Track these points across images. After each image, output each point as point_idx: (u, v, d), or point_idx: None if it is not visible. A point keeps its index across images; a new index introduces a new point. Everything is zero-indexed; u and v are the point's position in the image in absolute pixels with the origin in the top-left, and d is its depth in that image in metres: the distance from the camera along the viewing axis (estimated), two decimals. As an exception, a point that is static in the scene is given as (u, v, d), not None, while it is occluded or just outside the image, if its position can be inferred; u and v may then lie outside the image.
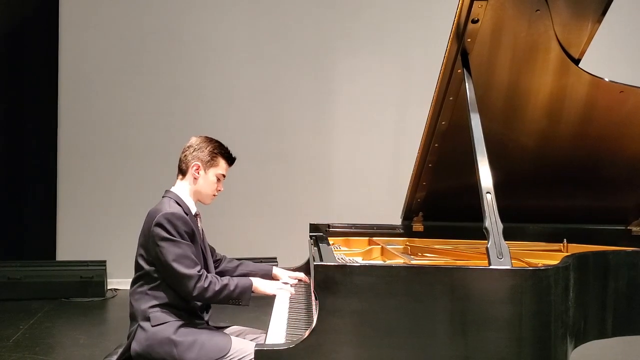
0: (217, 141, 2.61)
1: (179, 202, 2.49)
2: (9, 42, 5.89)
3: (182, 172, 2.57)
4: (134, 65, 6.07)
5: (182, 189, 2.56)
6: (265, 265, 2.89)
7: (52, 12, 5.94)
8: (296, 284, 2.77)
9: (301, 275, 2.87)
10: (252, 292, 2.49)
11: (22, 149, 5.97)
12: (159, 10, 6.09)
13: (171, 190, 2.56)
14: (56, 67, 5.97)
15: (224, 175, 2.60)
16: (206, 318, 2.54)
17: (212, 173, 2.56)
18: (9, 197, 5.95)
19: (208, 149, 2.55)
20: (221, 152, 2.58)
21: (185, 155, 2.57)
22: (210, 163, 2.55)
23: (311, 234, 3.14)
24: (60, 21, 5.97)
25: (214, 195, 2.61)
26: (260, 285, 2.53)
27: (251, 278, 2.54)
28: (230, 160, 2.62)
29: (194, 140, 2.59)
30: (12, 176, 5.97)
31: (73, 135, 6.03)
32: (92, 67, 6.03)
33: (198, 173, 2.54)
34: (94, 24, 6.03)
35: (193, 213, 2.55)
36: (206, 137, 2.61)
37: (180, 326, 2.37)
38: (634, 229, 3.22)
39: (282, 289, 2.61)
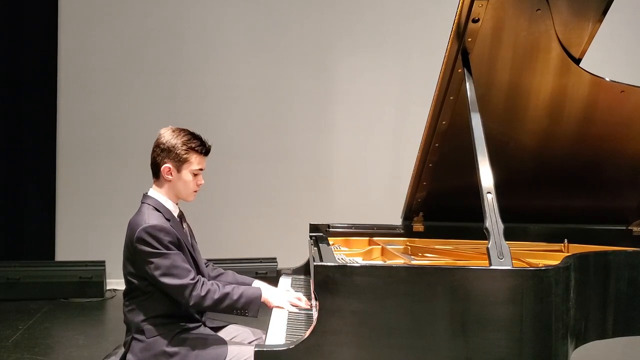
0: (186, 134, 2.36)
1: (158, 208, 2.34)
2: (8, 41, 5.88)
3: (155, 174, 2.39)
4: (133, 65, 6.06)
5: (159, 192, 2.39)
6: (245, 279, 2.64)
7: (52, 11, 5.92)
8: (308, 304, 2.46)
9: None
10: (261, 302, 2.33)
11: (21, 149, 5.95)
12: (159, 9, 6.08)
13: (149, 194, 2.39)
14: (55, 67, 5.95)
15: (201, 169, 2.38)
16: (203, 319, 2.47)
17: (186, 172, 2.35)
18: (7, 197, 5.94)
19: (177, 146, 2.32)
20: (191, 146, 2.34)
21: (154, 157, 2.37)
22: (181, 162, 2.33)
23: (311, 234, 3.13)
24: (59, 20, 5.95)
25: (195, 191, 2.41)
26: (269, 296, 2.36)
27: (260, 287, 2.40)
28: (204, 151, 2.38)
29: (161, 137, 2.36)
30: (11, 176, 5.94)
31: (72, 135, 6.02)
32: (91, 67, 6.02)
33: (171, 175, 2.35)
34: (93, 23, 6.01)
35: (175, 216, 2.41)
36: (173, 130, 2.36)
37: (174, 337, 2.30)
38: (634, 229, 3.22)
39: (294, 304, 2.40)
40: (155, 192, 2.40)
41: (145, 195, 2.41)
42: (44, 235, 5.97)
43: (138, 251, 2.25)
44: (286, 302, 2.39)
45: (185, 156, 2.34)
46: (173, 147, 2.33)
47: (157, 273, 2.23)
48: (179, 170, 2.35)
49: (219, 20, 6.13)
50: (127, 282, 2.36)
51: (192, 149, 2.35)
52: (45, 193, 5.97)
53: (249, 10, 6.16)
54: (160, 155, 2.35)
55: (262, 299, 2.34)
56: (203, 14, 6.11)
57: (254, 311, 2.31)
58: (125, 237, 2.34)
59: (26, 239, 5.95)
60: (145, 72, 6.06)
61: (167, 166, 2.35)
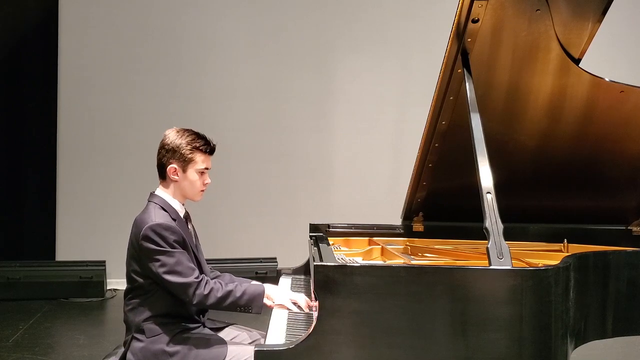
0: (190, 133, 2.38)
1: (165, 207, 2.35)
2: (8, 41, 5.88)
3: (161, 175, 2.40)
4: (134, 65, 6.06)
5: (166, 191, 2.40)
6: (243, 281, 2.56)
7: (52, 11, 5.93)
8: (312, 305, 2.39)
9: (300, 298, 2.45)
10: (265, 299, 2.34)
11: (22, 149, 5.96)
12: (159, 9, 6.08)
13: (156, 193, 2.41)
14: (56, 67, 5.95)
15: (207, 168, 2.40)
16: (202, 320, 2.47)
17: (192, 171, 2.37)
18: (8, 197, 5.94)
19: (182, 146, 2.34)
20: (196, 146, 2.35)
21: (160, 158, 2.38)
22: (187, 162, 2.35)
23: (311, 234, 3.13)
24: (59, 20, 5.95)
25: (202, 190, 2.42)
26: (272, 293, 2.37)
27: (264, 284, 2.40)
28: (209, 150, 2.39)
29: (166, 138, 2.38)
30: (12, 176, 5.95)
31: (72, 135, 6.02)
32: (91, 67, 6.02)
33: (177, 175, 2.37)
34: (93, 24, 6.01)
35: (182, 216, 2.43)
36: (178, 130, 2.38)
37: (175, 336, 2.31)
38: (634, 229, 3.22)
39: (296, 302, 2.37)
40: (162, 192, 2.42)
41: (152, 194, 2.43)
42: (44, 235, 5.97)
43: (143, 249, 2.27)
44: (287, 300, 2.39)
45: (190, 156, 2.36)
46: (178, 147, 2.35)
47: (161, 271, 2.25)
48: (184, 170, 2.37)
49: (219, 20, 6.13)
50: (130, 280, 2.37)
51: (197, 148, 2.37)
52: (45, 193, 5.97)
53: (249, 10, 6.16)
54: (165, 155, 2.37)
55: (265, 295, 2.35)
56: (203, 14, 6.11)
57: (257, 307, 2.33)
58: (130, 234, 2.36)
59: (26, 239, 5.95)
60: (145, 71, 6.06)
61: (172, 166, 2.36)
